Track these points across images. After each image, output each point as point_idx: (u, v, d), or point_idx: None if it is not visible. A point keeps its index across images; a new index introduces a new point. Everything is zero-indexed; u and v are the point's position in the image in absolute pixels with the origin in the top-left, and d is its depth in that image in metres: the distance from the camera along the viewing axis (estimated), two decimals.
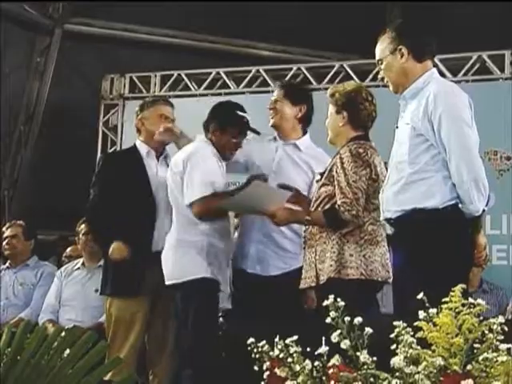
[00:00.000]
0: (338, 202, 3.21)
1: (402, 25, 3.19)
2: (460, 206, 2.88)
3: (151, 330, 3.85)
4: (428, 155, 2.94)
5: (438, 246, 2.83)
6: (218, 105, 3.90)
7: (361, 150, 3.27)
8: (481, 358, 1.90)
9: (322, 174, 3.41)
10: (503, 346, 1.91)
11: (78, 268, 4.90)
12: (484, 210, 2.95)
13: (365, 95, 3.42)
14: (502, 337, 1.95)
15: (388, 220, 3.07)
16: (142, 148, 3.96)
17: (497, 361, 1.87)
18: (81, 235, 4.96)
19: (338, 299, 2.14)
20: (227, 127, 3.72)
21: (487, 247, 3.16)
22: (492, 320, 1.97)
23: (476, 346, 1.96)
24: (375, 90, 6.20)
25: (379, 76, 3.24)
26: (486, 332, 1.96)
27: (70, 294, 4.79)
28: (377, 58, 3.14)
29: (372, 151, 3.30)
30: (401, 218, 2.98)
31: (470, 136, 2.92)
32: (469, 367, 1.92)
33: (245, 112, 3.80)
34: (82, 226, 4.98)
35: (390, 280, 3.24)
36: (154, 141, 3.94)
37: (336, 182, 3.25)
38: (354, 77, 6.37)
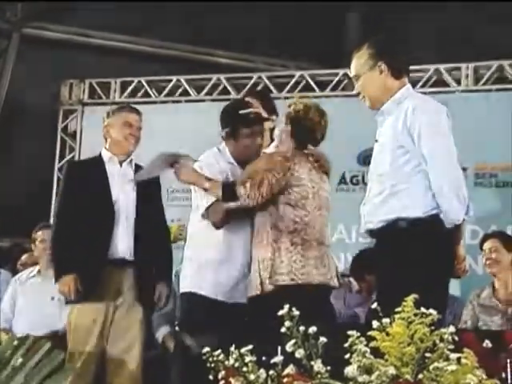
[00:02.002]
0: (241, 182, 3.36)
1: (382, 42, 3.25)
2: (441, 215, 2.95)
3: (111, 341, 3.76)
4: (409, 166, 3.00)
5: (420, 255, 2.89)
6: (223, 112, 3.79)
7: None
8: (431, 367, 1.93)
9: None
10: (453, 356, 1.94)
11: (34, 276, 4.83)
12: (464, 220, 3.02)
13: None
14: (453, 346, 1.98)
15: (370, 231, 3.13)
16: (105, 155, 3.92)
17: (447, 370, 1.91)
18: (38, 242, 4.89)
19: (293, 308, 2.16)
20: (237, 132, 3.64)
21: (466, 258, 3.21)
22: (443, 330, 2.00)
23: (427, 355, 1.99)
24: (335, 99, 6.36)
25: (354, 91, 3.30)
26: (437, 342, 1.99)
27: (25, 302, 4.71)
28: (353, 73, 3.20)
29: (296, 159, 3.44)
30: (383, 228, 3.03)
31: (449, 147, 3.01)
32: (420, 376, 1.95)
33: (247, 107, 3.71)
34: (39, 232, 4.91)
35: (333, 284, 3.37)
36: (118, 148, 3.89)
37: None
38: (315, 86, 6.43)
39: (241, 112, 3.65)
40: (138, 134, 3.92)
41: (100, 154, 3.96)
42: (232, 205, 3.39)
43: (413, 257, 2.88)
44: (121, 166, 3.90)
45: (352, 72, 3.21)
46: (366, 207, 3.14)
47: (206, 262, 3.53)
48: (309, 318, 2.19)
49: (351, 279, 5.12)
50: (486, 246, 4.43)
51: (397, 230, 2.98)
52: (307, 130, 3.53)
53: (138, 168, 3.87)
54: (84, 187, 3.79)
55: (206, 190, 3.45)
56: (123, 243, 3.73)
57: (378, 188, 3.07)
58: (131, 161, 3.92)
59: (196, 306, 3.48)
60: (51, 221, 6.53)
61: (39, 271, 4.84)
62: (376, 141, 3.18)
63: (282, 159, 3.41)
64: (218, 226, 3.50)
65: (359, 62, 3.17)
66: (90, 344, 3.68)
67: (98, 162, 3.91)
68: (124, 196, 3.79)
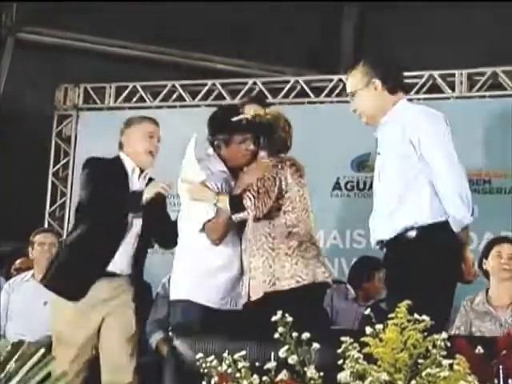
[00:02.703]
0: (246, 194, 3.38)
1: (375, 59, 3.33)
2: (448, 219, 3.00)
3: (103, 352, 3.73)
4: (412, 175, 3.07)
5: (430, 262, 2.95)
6: (212, 118, 3.79)
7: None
8: (424, 373, 1.93)
9: None
10: (446, 362, 1.95)
11: (28, 280, 4.83)
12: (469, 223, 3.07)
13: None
14: (445, 352, 1.98)
15: (380, 242, 3.17)
16: (128, 163, 3.83)
17: (440, 376, 1.91)
18: (36, 245, 4.88)
19: (286, 314, 2.17)
20: (229, 139, 3.63)
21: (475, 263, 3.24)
22: (436, 336, 2.00)
23: (420, 361, 1.99)
24: (329, 105, 6.37)
25: (351, 109, 3.33)
26: (430, 348, 1.99)
27: (18, 306, 4.71)
28: (349, 90, 3.26)
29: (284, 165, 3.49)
30: (393, 238, 3.09)
31: (449, 151, 3.08)
32: (413, 382, 1.95)
33: (238, 113, 3.72)
34: (38, 236, 4.92)
35: (330, 282, 3.46)
36: (139, 160, 3.83)
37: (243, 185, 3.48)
38: (309, 92, 6.44)
39: (233, 119, 3.65)
40: (158, 145, 3.88)
41: (119, 157, 3.85)
42: (239, 217, 3.40)
43: (424, 264, 2.93)
44: (139, 179, 3.84)
45: (348, 89, 3.28)
46: (374, 220, 3.19)
47: (204, 270, 3.54)
48: (310, 316, 2.20)
49: (348, 286, 5.13)
50: (504, 250, 4.35)
51: (407, 239, 3.03)
52: (281, 139, 3.60)
53: (150, 181, 3.84)
54: (105, 191, 3.68)
55: (214, 204, 3.45)
56: (123, 257, 3.71)
57: (385, 199, 3.12)
58: (145, 176, 3.87)
59: (194, 313, 3.48)
60: (46, 225, 6.55)
61: (33, 275, 4.83)
62: (378, 153, 3.22)
63: (270, 166, 3.44)
64: (217, 244, 3.52)
65: (354, 79, 3.24)
66: (72, 352, 3.66)
67: (121, 168, 3.81)
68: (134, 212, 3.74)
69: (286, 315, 2.14)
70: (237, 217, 3.41)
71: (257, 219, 3.42)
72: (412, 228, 3.04)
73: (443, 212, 3.01)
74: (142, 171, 3.86)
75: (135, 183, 3.81)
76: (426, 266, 2.94)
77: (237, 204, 3.38)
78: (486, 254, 4.36)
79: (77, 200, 3.91)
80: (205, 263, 3.54)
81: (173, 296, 3.62)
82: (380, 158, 3.22)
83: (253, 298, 3.36)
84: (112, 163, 3.85)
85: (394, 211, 3.09)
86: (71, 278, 3.68)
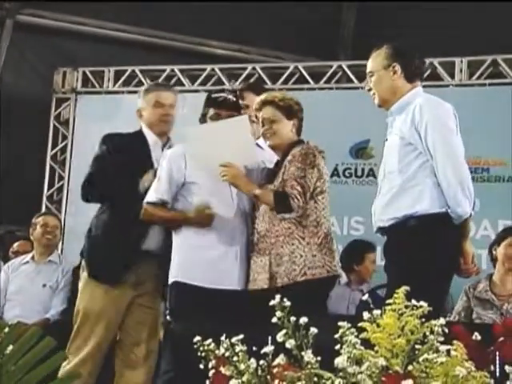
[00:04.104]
0: (288, 192, 3.30)
1: (399, 45, 3.30)
2: (449, 210, 3.00)
3: (125, 329, 3.68)
4: (417, 163, 3.08)
5: (428, 251, 2.95)
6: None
7: (310, 151, 3.38)
8: (421, 358, 1.94)
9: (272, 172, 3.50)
10: (443, 348, 1.95)
11: (27, 262, 4.83)
12: (471, 215, 3.07)
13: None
14: (443, 338, 1.99)
15: (381, 229, 3.18)
16: (150, 136, 3.75)
17: (437, 361, 1.92)
18: (38, 227, 4.88)
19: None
20: (206, 115, 3.59)
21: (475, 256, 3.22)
22: (433, 322, 2.01)
23: (417, 346, 2.00)
24: (328, 92, 6.36)
25: (366, 87, 3.35)
26: (428, 333, 2.00)
27: (16, 288, 4.72)
28: (368, 69, 3.27)
29: (318, 154, 3.40)
30: (393, 226, 3.09)
31: (455, 142, 3.09)
32: (410, 368, 1.96)
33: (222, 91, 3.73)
34: (40, 218, 4.93)
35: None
36: (154, 129, 3.75)
37: (287, 177, 3.34)
38: (309, 78, 6.43)
39: (213, 95, 3.66)
40: (171, 112, 3.77)
41: (141, 131, 3.77)
42: (286, 216, 3.33)
43: (422, 253, 2.93)
44: (162, 150, 3.74)
45: (368, 68, 3.27)
46: (375, 205, 3.19)
47: (191, 249, 3.48)
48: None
49: (340, 271, 5.13)
50: None
51: (406, 228, 3.03)
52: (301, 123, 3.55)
53: None
54: (127, 167, 3.60)
55: (255, 197, 3.38)
56: (152, 235, 3.63)
57: (388, 186, 3.14)
58: (170, 147, 3.74)
59: (182, 294, 3.43)
60: (43, 208, 6.55)
61: (32, 258, 4.84)
62: (386, 139, 3.24)
63: (310, 154, 3.38)
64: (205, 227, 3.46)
65: (376, 59, 3.25)
66: (98, 329, 3.59)
67: (142, 143, 3.73)
68: None
69: (285, 299, 2.14)
70: (282, 216, 3.34)
71: None
72: (412, 217, 3.04)
73: (444, 203, 3.01)
74: (167, 142, 3.79)
75: (158, 157, 3.70)
76: (423, 254, 2.94)
77: (283, 203, 3.30)
78: (498, 241, 4.35)
79: (88, 171, 3.75)
80: (193, 241, 3.48)
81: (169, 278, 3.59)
82: (387, 143, 3.22)
83: (279, 284, 3.27)
84: (133, 137, 3.78)
85: (395, 199, 3.09)
86: (109, 262, 3.61)
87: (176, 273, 3.48)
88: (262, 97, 3.53)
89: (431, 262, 2.94)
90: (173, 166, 3.51)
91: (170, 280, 3.50)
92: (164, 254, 3.57)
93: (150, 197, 3.51)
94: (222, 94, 3.67)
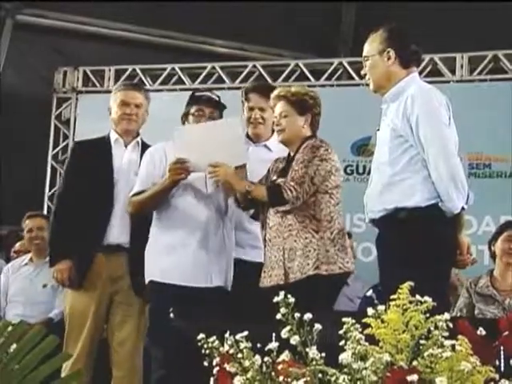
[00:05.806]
0: (286, 183, 3.27)
1: (395, 29, 3.21)
2: (440, 204, 2.95)
3: (110, 329, 3.74)
4: (408, 156, 3.02)
5: (419, 244, 2.90)
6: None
7: (319, 144, 3.35)
8: (426, 353, 1.93)
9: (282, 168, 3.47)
10: (448, 343, 1.94)
11: (26, 263, 4.83)
12: (463, 208, 3.03)
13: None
14: (447, 333, 1.98)
15: (372, 220, 3.14)
16: (112, 134, 3.85)
17: (441, 356, 1.91)
18: (25, 232, 4.89)
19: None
20: (188, 113, 3.63)
21: (471, 248, 3.20)
22: (438, 317, 2.00)
23: (422, 342, 1.99)
24: (329, 89, 6.35)
25: (362, 72, 3.29)
26: (432, 329, 1.99)
27: (17, 289, 4.71)
28: (364, 53, 3.19)
29: (330, 148, 3.37)
30: (384, 217, 3.05)
31: (447, 135, 3.01)
32: (414, 363, 1.95)
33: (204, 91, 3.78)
34: (26, 221, 4.91)
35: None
36: (119, 129, 3.82)
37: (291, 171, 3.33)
38: (309, 75, 6.42)
39: (196, 94, 3.70)
40: (137, 111, 3.82)
41: (108, 133, 3.88)
42: (280, 209, 3.29)
43: (412, 246, 2.89)
44: (126, 147, 3.81)
45: (364, 52, 3.20)
46: (368, 195, 3.15)
47: (164, 248, 3.49)
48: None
49: (353, 267, 5.12)
50: None
51: (396, 220, 2.99)
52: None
53: (145, 147, 3.75)
54: (86, 169, 3.73)
55: (248, 193, 3.34)
56: (119, 229, 3.67)
57: (378, 177, 3.09)
58: (138, 142, 3.83)
59: (158, 293, 3.44)
60: (45, 208, 6.54)
61: (31, 259, 4.83)
62: (378, 130, 3.18)
63: (321, 148, 3.34)
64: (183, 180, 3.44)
65: (371, 43, 3.17)
66: (85, 329, 3.65)
67: (104, 143, 3.83)
68: (124, 180, 3.71)
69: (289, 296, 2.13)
70: (277, 209, 3.31)
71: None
72: (402, 209, 2.99)
73: (436, 196, 2.96)
74: (132, 139, 3.83)
75: (118, 155, 3.78)
76: (416, 248, 2.89)
77: (276, 195, 3.27)
78: (496, 236, 4.34)
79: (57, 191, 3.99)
80: (164, 240, 3.51)
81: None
82: (379, 134, 3.16)
83: (291, 280, 3.23)
84: (99, 140, 3.90)
85: (386, 190, 3.04)
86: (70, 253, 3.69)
87: (151, 272, 3.49)
88: (276, 92, 3.47)
89: (423, 255, 2.88)
90: (154, 159, 3.56)
91: (147, 280, 3.51)
92: (135, 250, 3.60)
93: (133, 191, 3.55)
94: (205, 93, 3.71)
